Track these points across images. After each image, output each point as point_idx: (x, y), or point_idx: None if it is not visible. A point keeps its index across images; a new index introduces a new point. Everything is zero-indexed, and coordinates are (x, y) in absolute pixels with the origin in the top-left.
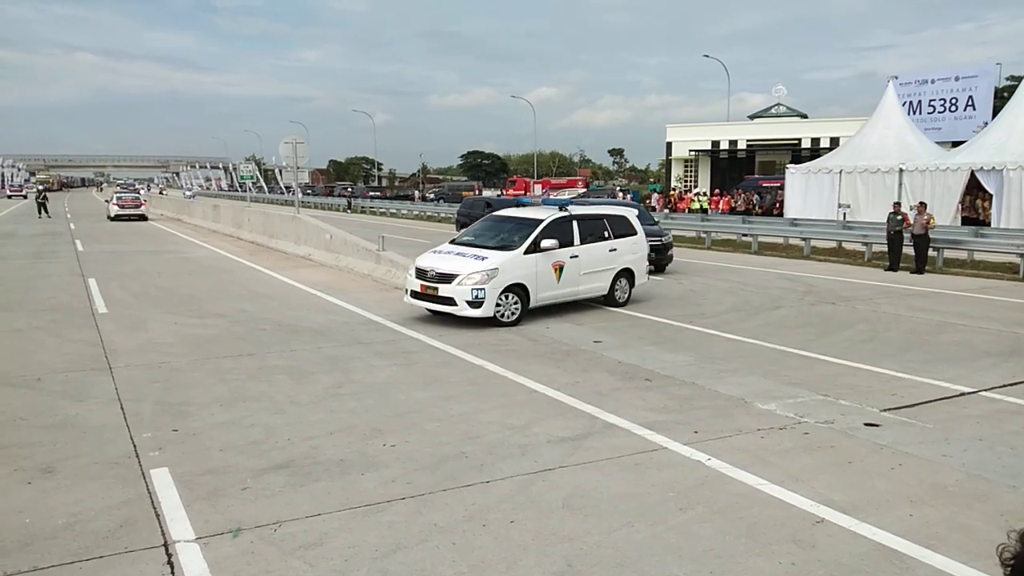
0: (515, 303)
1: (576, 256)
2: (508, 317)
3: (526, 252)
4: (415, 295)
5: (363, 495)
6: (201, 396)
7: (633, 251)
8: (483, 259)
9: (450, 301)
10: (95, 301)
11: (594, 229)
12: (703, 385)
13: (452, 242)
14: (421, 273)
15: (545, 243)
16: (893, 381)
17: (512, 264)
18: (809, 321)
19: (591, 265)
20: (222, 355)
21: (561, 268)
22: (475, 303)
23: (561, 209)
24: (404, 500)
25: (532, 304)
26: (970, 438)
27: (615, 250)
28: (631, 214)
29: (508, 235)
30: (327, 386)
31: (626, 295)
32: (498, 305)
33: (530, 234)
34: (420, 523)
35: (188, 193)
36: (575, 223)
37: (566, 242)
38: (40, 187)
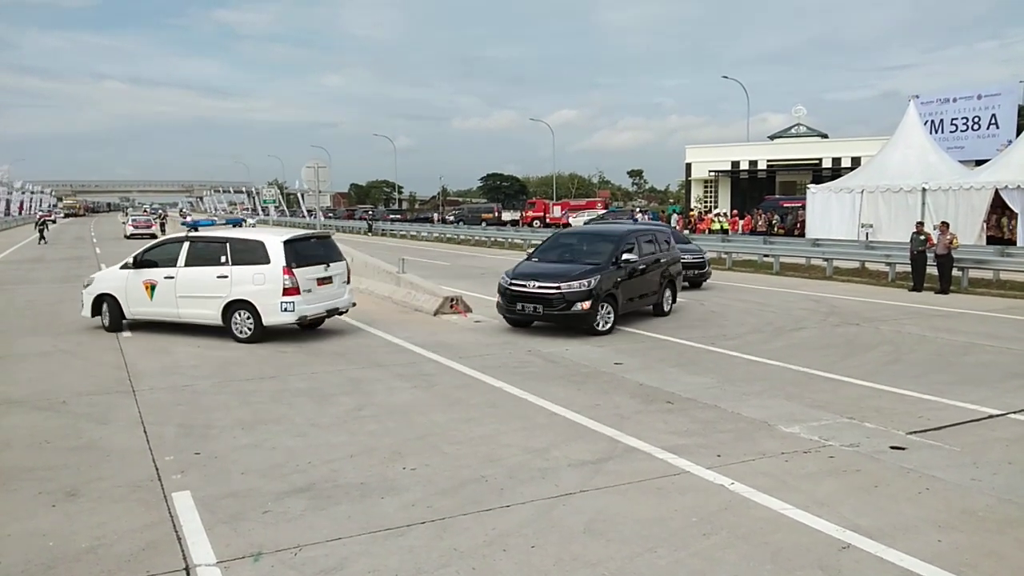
0: (107, 311)
1: (171, 278)
2: (104, 323)
3: (121, 267)
4: None
5: (383, 519)
6: (223, 419)
7: (255, 281)
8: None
9: None
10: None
11: (208, 253)
12: (726, 408)
13: None
14: None
15: (130, 260)
16: (919, 403)
17: (106, 277)
18: (832, 342)
19: (189, 290)
20: (244, 378)
21: (153, 287)
22: (82, 304)
23: (190, 230)
24: (424, 524)
25: (128, 317)
26: (999, 461)
27: (225, 277)
28: (272, 240)
29: None
30: (348, 409)
31: (248, 331)
32: (105, 312)
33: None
34: (440, 548)
35: (251, 222)
36: (185, 245)
37: (168, 262)
38: (40, 212)
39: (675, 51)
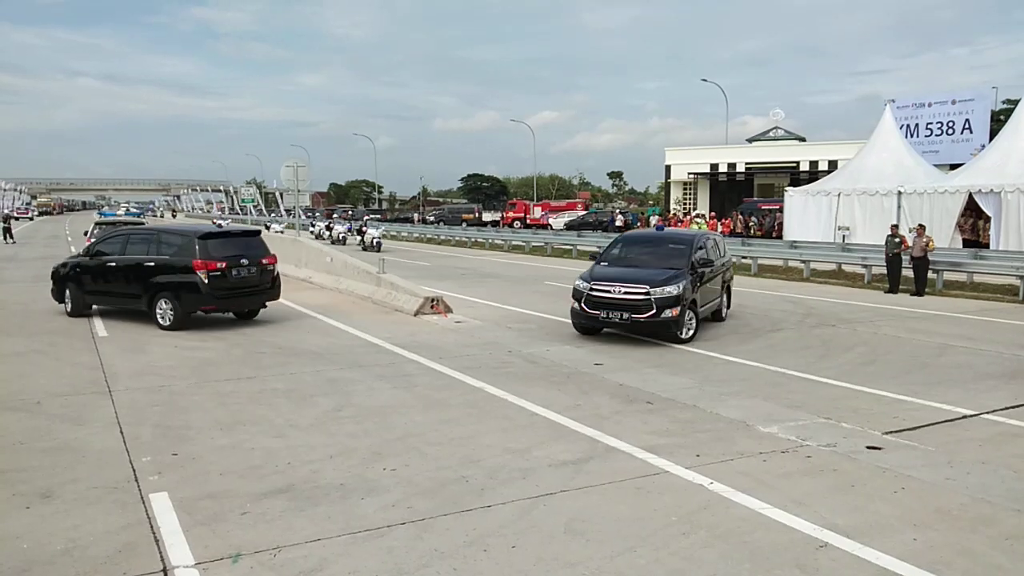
0: None
1: None
2: None
3: None
4: None
5: (363, 520)
6: (201, 420)
7: None
8: None
9: None
10: (95, 324)
11: None
12: (704, 408)
13: None
14: None
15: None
16: (895, 404)
17: None
18: (810, 343)
19: None
20: (222, 378)
21: None
22: None
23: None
24: (404, 525)
25: None
26: (973, 461)
27: None
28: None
29: None
30: (327, 409)
31: None
32: None
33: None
34: (421, 548)
35: (336, 219)
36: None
37: None
38: (6, 212)
39: (656, 54)
